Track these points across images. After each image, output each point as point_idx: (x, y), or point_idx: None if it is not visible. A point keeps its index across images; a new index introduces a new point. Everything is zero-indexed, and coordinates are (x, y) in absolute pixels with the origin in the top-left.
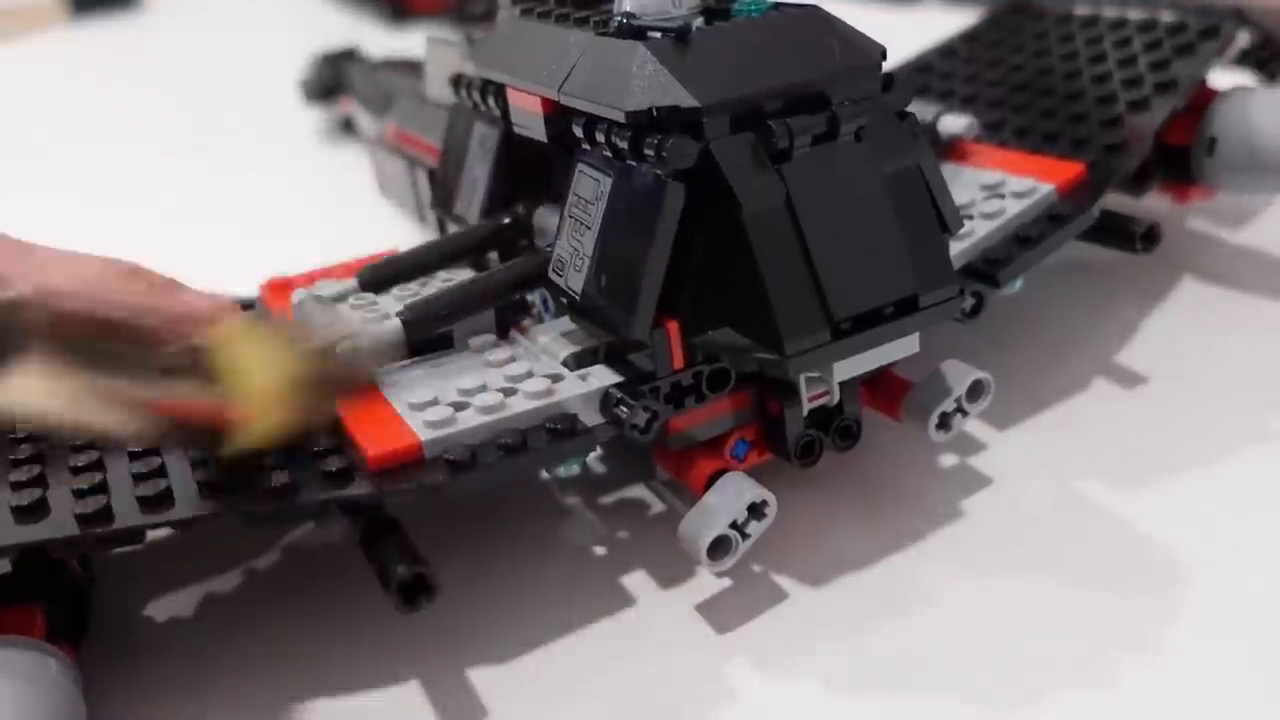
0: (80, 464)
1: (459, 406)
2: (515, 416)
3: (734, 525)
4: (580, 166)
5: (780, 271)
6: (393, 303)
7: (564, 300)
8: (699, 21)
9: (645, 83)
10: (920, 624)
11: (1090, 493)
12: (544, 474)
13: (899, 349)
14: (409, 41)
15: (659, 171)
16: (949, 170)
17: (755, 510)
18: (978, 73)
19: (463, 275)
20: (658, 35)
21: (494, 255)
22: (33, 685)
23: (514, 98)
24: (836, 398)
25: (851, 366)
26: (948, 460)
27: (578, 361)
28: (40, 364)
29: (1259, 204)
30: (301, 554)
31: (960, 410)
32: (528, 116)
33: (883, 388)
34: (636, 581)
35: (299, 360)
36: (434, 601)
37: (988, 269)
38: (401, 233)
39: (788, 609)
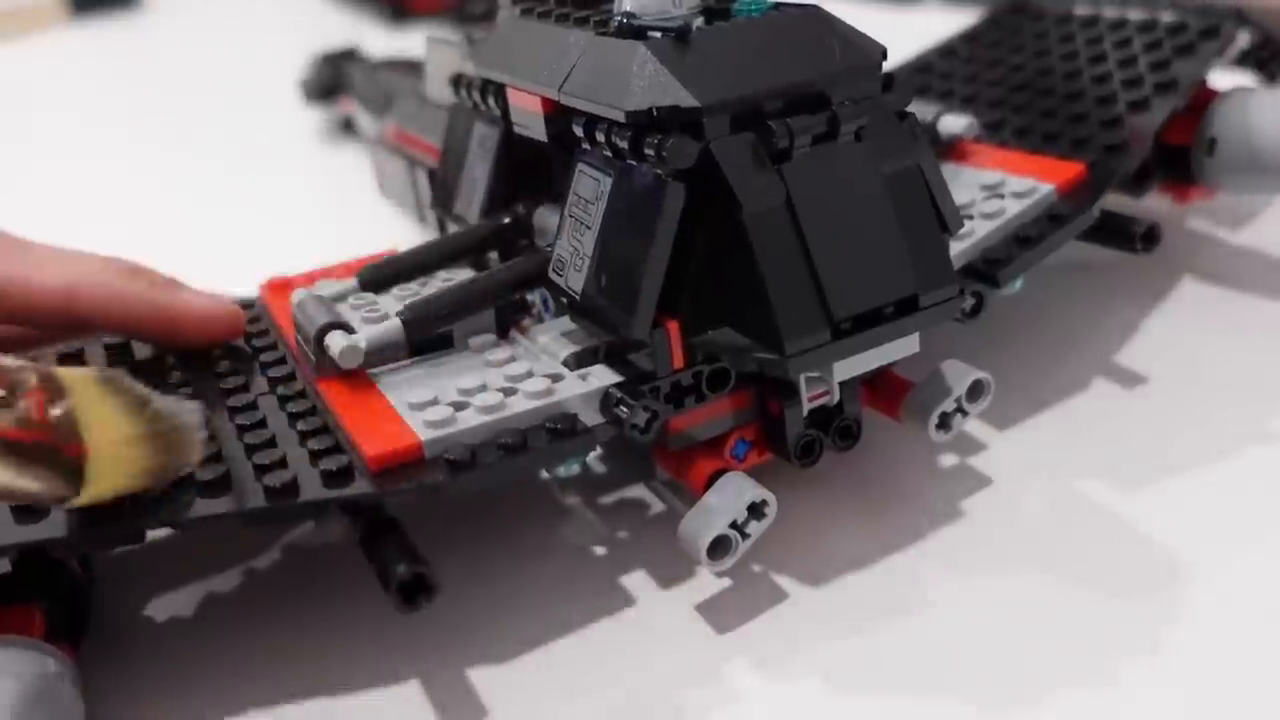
0: None
1: (459, 406)
2: (515, 416)
3: (734, 525)
4: (580, 166)
5: (780, 271)
6: (393, 302)
7: (564, 300)
8: (699, 21)
9: (645, 82)
10: (920, 623)
11: (1090, 492)
12: (544, 474)
13: (899, 349)
14: (409, 41)
15: (659, 171)
16: (949, 170)
17: (755, 510)
18: (978, 73)
19: (463, 275)
20: (658, 35)
21: (494, 255)
22: (31, 685)
23: (514, 97)
24: (836, 397)
25: (851, 366)
26: (947, 460)
27: (578, 361)
28: None
29: (1259, 204)
30: (301, 554)
31: (960, 410)
32: (528, 116)
33: (883, 388)
34: (636, 581)
35: (141, 420)
36: (434, 601)
37: (988, 269)
38: (401, 233)
39: (788, 609)
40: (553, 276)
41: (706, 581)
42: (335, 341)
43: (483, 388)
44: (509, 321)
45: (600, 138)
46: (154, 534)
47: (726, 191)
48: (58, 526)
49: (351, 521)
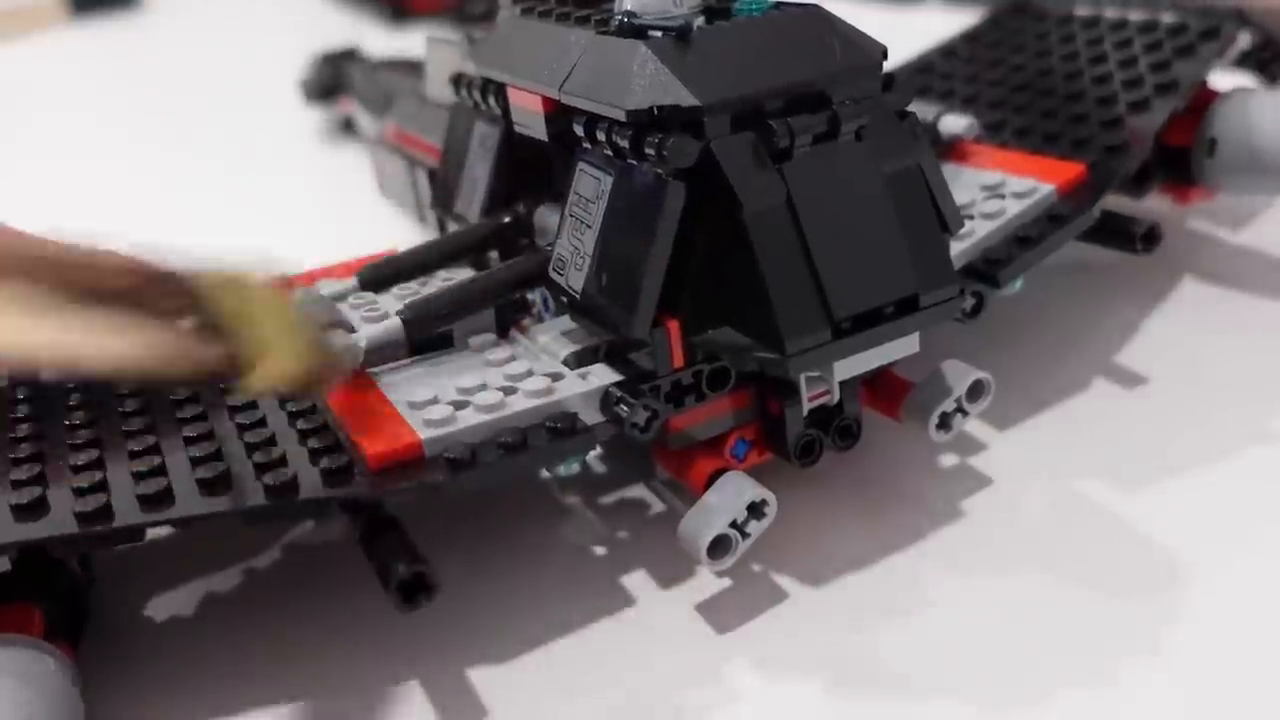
0: (80, 462)
1: (459, 405)
2: (515, 415)
3: (734, 524)
4: (581, 165)
5: (781, 271)
6: (393, 302)
7: (564, 299)
8: (700, 21)
9: (646, 82)
10: (920, 623)
11: (1090, 492)
12: (544, 473)
13: (899, 349)
14: (409, 41)
15: (660, 170)
16: (949, 170)
17: (755, 509)
18: (978, 73)
19: (463, 274)
20: (658, 34)
21: (494, 254)
22: (30, 684)
23: (515, 97)
24: (837, 397)
25: (852, 366)
26: (948, 460)
27: (578, 360)
28: (10, 300)
29: (1259, 205)
30: (301, 553)
31: (960, 410)
32: (528, 115)
33: (883, 388)
34: (636, 581)
35: (296, 312)
36: (434, 600)
37: (988, 269)
38: (401, 233)
39: (787, 608)
40: (553, 276)
41: (706, 581)
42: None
43: (483, 387)
44: (509, 321)
45: (601, 137)
46: (154, 533)
47: (727, 191)
48: (57, 524)
49: (351, 520)
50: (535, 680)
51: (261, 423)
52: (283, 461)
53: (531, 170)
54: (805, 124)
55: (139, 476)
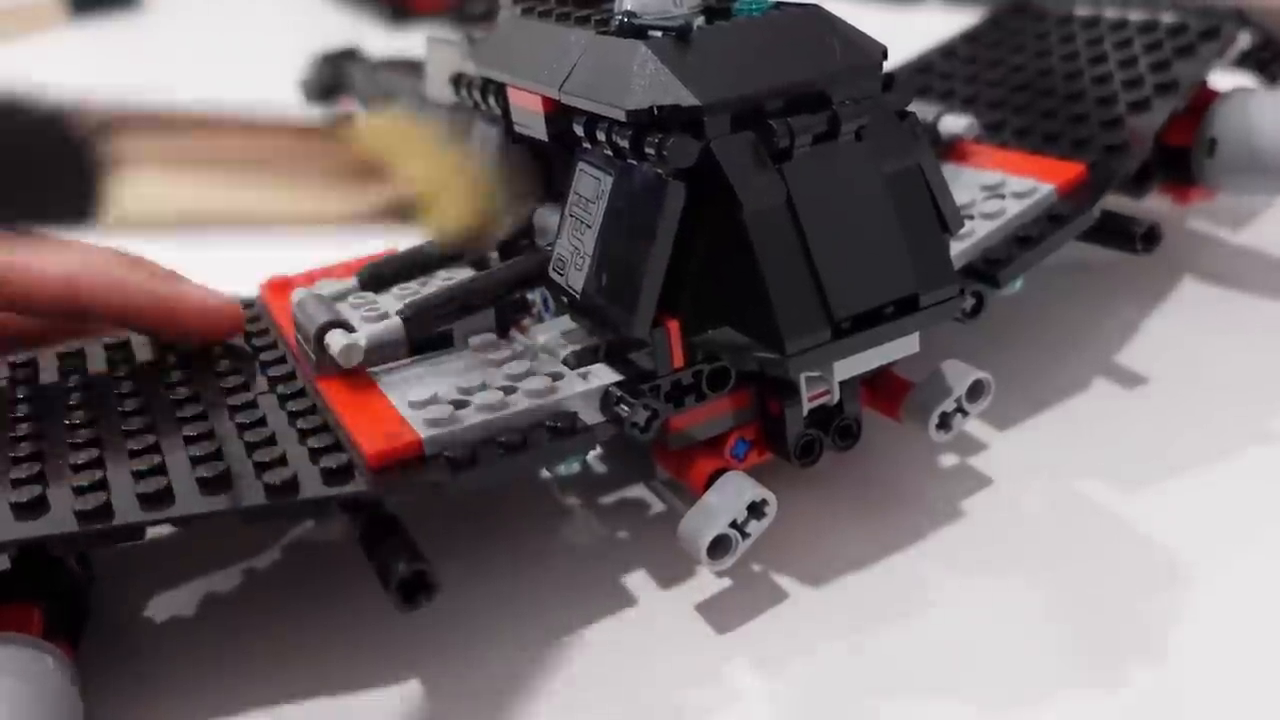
0: (80, 461)
1: (459, 405)
2: (515, 415)
3: (734, 524)
4: (581, 165)
5: (781, 270)
6: (393, 301)
7: (564, 299)
8: (700, 21)
9: (646, 81)
10: (920, 623)
11: (1090, 492)
12: (544, 473)
13: (899, 348)
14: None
15: (660, 170)
16: (949, 170)
17: (755, 509)
18: (978, 73)
19: (463, 274)
20: (658, 34)
21: (494, 254)
22: (29, 683)
23: (515, 97)
24: (837, 397)
25: (852, 366)
26: (948, 460)
27: (578, 360)
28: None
29: (1259, 205)
30: (301, 553)
31: (960, 410)
32: (528, 115)
33: (883, 388)
34: (636, 581)
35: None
36: (434, 600)
37: (988, 269)
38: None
39: (788, 608)
40: (553, 275)
41: (707, 581)
42: (335, 340)
43: (483, 386)
44: (509, 320)
45: (601, 137)
46: (153, 532)
47: (727, 190)
48: (57, 523)
49: (351, 519)
50: (535, 680)
51: (262, 422)
52: (283, 460)
53: (532, 170)
54: (805, 124)
55: (139, 475)
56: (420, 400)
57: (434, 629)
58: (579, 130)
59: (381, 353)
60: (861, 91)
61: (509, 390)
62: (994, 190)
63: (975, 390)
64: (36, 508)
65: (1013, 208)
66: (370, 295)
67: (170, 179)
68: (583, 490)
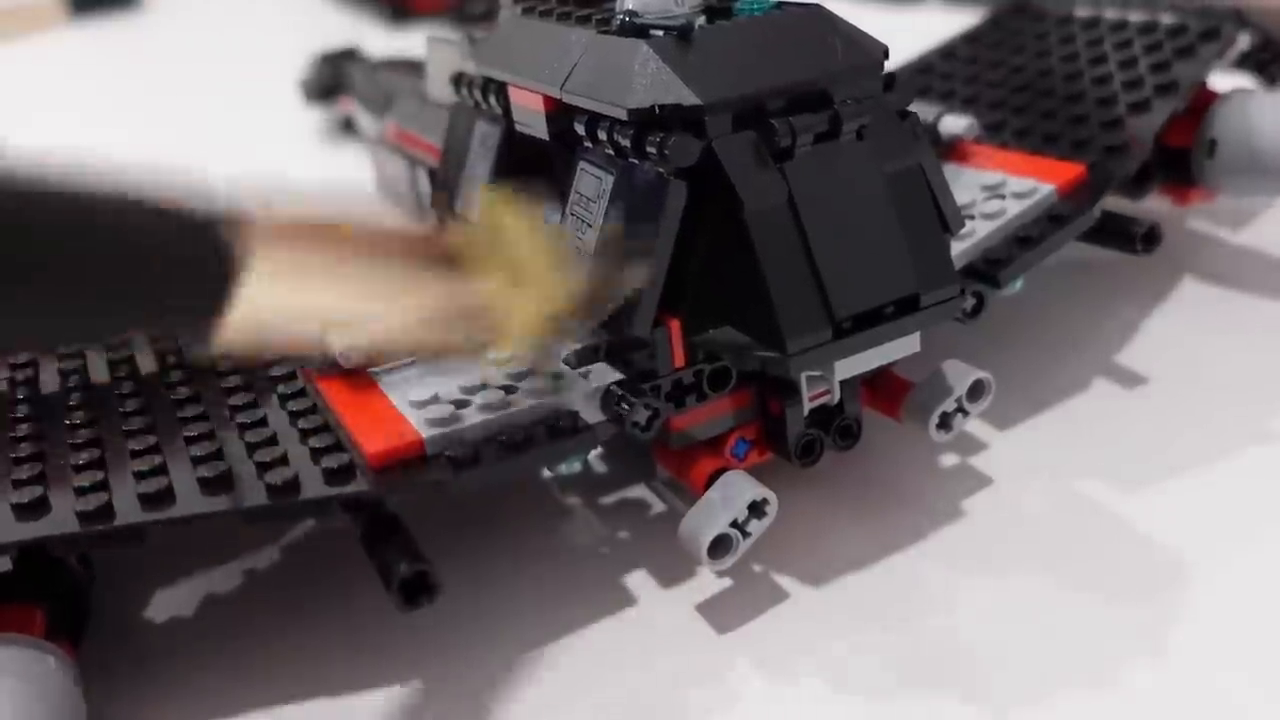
0: (81, 461)
1: (460, 404)
2: (517, 414)
3: (734, 524)
4: (582, 164)
5: (782, 270)
6: None
7: None
8: (701, 20)
9: (647, 81)
10: (920, 624)
11: (1090, 493)
12: (545, 472)
13: (900, 348)
14: (409, 41)
15: (661, 170)
16: (950, 171)
17: (756, 509)
18: (979, 74)
19: None
20: (660, 33)
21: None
22: (31, 683)
23: (516, 96)
24: (837, 397)
25: (852, 365)
26: (948, 460)
27: (579, 359)
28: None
29: (1259, 206)
30: (302, 553)
31: (961, 410)
32: (530, 115)
33: (883, 387)
34: (637, 580)
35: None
36: (435, 601)
37: (988, 269)
38: None
39: (788, 608)
40: None
41: (707, 581)
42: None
43: (484, 385)
44: None
45: (602, 136)
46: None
47: (728, 190)
48: (58, 524)
49: (353, 519)
50: (536, 680)
51: (263, 422)
52: (284, 460)
53: (533, 169)
54: (807, 123)
55: (140, 475)
56: (421, 400)
57: (435, 629)
58: (580, 129)
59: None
60: (863, 91)
61: (510, 390)
62: (994, 190)
63: (976, 390)
64: (38, 508)
65: (1013, 208)
66: None
67: (295, 287)
68: (583, 490)
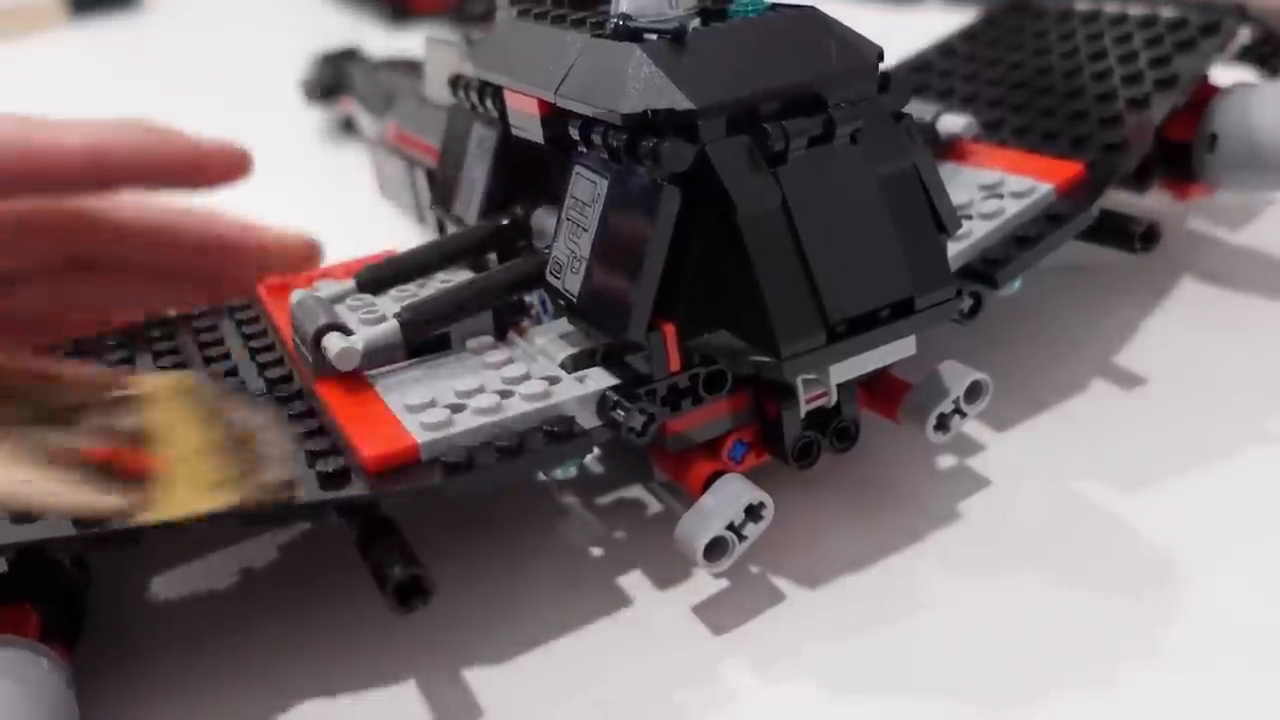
0: None
1: (456, 408)
2: (512, 419)
3: (731, 527)
4: (577, 168)
5: (776, 274)
6: (390, 304)
7: (561, 302)
8: (695, 23)
9: (641, 85)
10: (917, 625)
11: (1088, 493)
12: (541, 475)
13: (896, 351)
14: (409, 41)
15: (655, 174)
16: (948, 170)
17: (752, 512)
18: (977, 71)
19: (461, 276)
20: (654, 37)
21: (492, 256)
22: (25, 685)
23: (511, 99)
24: (834, 399)
25: (848, 369)
26: (945, 461)
27: (575, 363)
28: None
29: (1259, 203)
30: (299, 555)
31: (958, 411)
32: (525, 118)
33: (880, 389)
34: (634, 582)
35: (218, 428)
36: (429, 603)
37: (986, 269)
38: (401, 233)
39: (785, 610)
40: (550, 278)
41: (704, 583)
42: (333, 343)
43: (480, 390)
44: (507, 323)
45: (596, 140)
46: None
47: (722, 194)
48: (54, 526)
49: (348, 522)
50: (532, 680)
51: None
52: None
53: (529, 173)
54: (800, 127)
55: None
56: (417, 404)
57: (432, 629)
58: (575, 133)
59: (379, 356)
60: (857, 93)
61: (506, 394)
62: (992, 190)
63: (973, 391)
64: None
65: (1011, 207)
66: (368, 297)
67: None
68: (580, 491)
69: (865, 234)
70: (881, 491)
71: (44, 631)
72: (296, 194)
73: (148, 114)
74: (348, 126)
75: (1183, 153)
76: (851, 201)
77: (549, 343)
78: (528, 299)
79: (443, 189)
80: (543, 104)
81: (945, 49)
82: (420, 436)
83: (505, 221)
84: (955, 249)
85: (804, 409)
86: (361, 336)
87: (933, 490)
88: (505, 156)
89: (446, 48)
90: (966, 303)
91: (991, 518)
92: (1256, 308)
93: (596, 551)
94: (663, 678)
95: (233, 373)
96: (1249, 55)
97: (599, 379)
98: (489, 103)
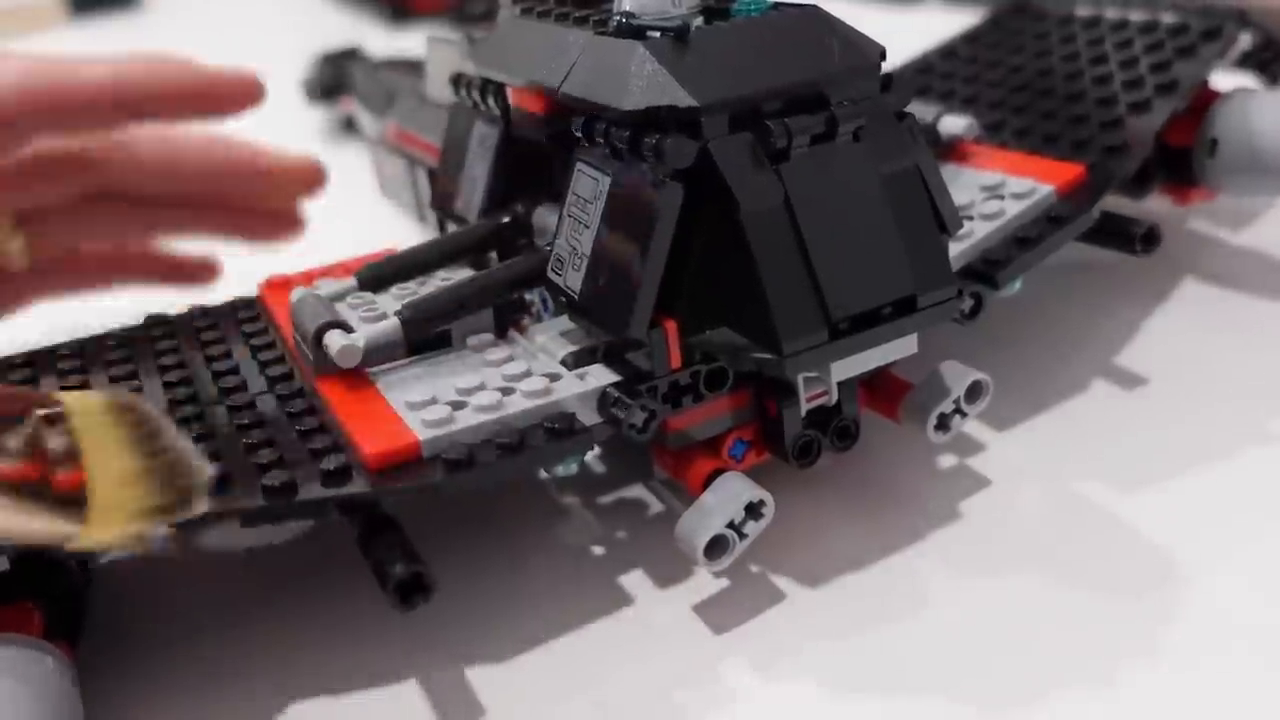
0: None
1: (457, 405)
2: (513, 416)
3: (731, 525)
4: (579, 165)
5: (778, 271)
6: (391, 302)
7: (563, 299)
8: (698, 21)
9: (644, 82)
10: (917, 624)
11: (1088, 493)
12: (542, 473)
13: (897, 349)
14: (409, 41)
15: (657, 171)
16: (949, 171)
17: (752, 510)
18: (979, 73)
19: (462, 274)
20: (657, 35)
21: (493, 254)
22: (29, 684)
23: (514, 97)
24: (835, 398)
25: (849, 367)
26: (946, 461)
27: (576, 361)
28: None
29: (1259, 205)
30: (301, 553)
31: (959, 411)
32: (527, 116)
33: (881, 388)
34: (634, 581)
35: (146, 452)
36: (430, 601)
37: (987, 270)
38: (401, 232)
39: (785, 609)
40: (551, 276)
41: (704, 581)
42: (333, 340)
43: (481, 387)
44: (507, 321)
45: (599, 137)
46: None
47: (724, 191)
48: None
49: (349, 520)
50: (533, 679)
51: (260, 423)
52: (281, 462)
53: (530, 170)
54: (803, 125)
55: None
56: (418, 401)
57: (432, 628)
58: (577, 130)
59: (380, 353)
60: (859, 92)
61: (507, 391)
62: (993, 191)
63: (974, 391)
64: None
65: (1012, 209)
66: (369, 295)
67: None
68: (581, 489)
69: (867, 232)
70: (882, 491)
71: (47, 630)
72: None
73: None
74: (348, 126)
75: (1183, 158)
76: (854, 199)
77: (550, 340)
78: (528, 296)
79: (444, 187)
80: (545, 101)
81: (947, 51)
82: (421, 434)
83: (506, 219)
84: (956, 249)
85: (805, 407)
86: (362, 334)
87: (933, 490)
88: (506, 154)
89: (448, 47)
90: (967, 303)
91: (991, 518)
92: (1257, 308)
93: (597, 550)
94: (663, 677)
95: (233, 371)
96: (1249, 61)
97: (600, 376)
98: (491, 101)
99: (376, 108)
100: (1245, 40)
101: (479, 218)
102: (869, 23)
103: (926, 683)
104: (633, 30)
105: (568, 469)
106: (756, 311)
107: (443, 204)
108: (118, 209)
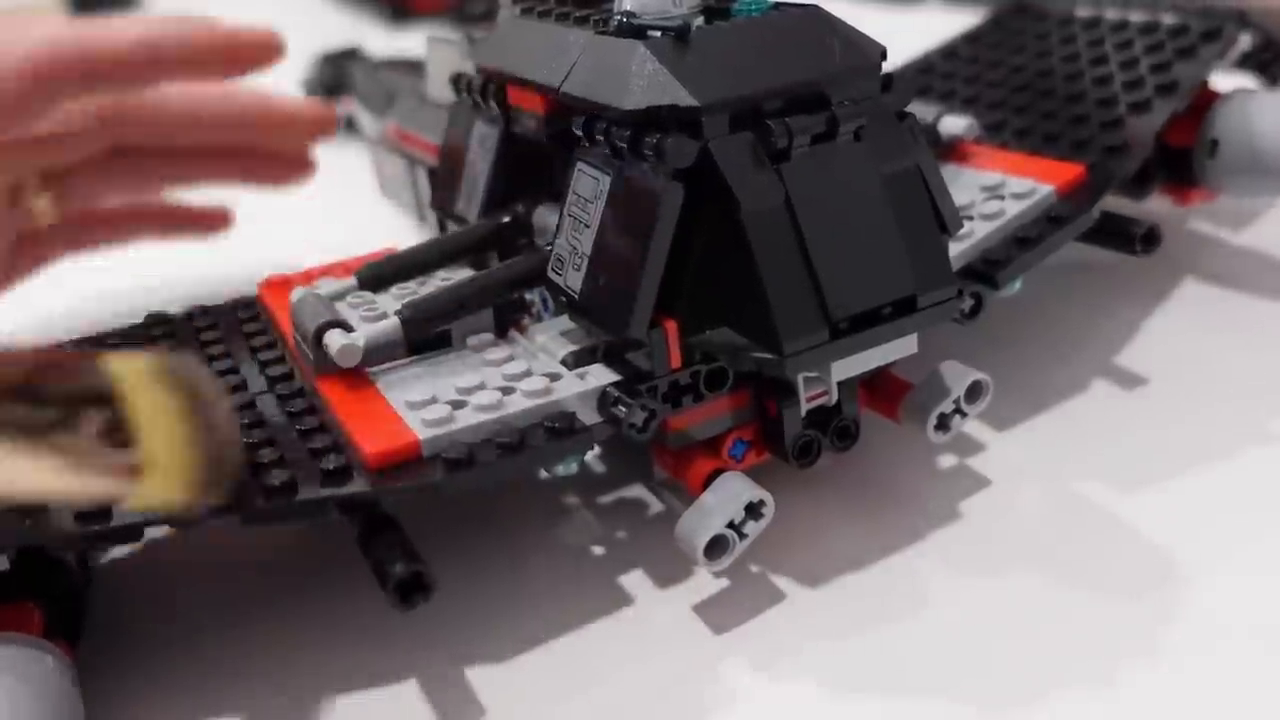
0: None
1: (457, 405)
2: (513, 415)
3: (731, 525)
4: (580, 165)
5: (778, 271)
6: (391, 301)
7: (563, 299)
8: (699, 21)
9: (645, 82)
10: (917, 624)
11: (1088, 493)
12: (542, 473)
13: (897, 349)
14: (410, 41)
15: (658, 170)
16: (949, 171)
17: (752, 510)
18: (979, 74)
19: (462, 274)
20: (657, 34)
21: (494, 254)
22: (29, 683)
23: (514, 96)
24: (835, 398)
25: (849, 367)
26: (946, 461)
27: (576, 360)
28: None
29: (1259, 206)
30: (301, 552)
31: (959, 411)
32: (527, 115)
33: (881, 388)
34: (634, 580)
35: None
36: (430, 600)
37: (987, 270)
38: (401, 232)
39: (785, 609)
40: (551, 275)
41: (704, 581)
42: (334, 340)
43: (481, 386)
44: (508, 320)
45: (599, 137)
46: (152, 532)
47: (725, 191)
48: (57, 523)
49: (349, 519)
50: (533, 679)
51: (260, 423)
52: (281, 462)
53: (530, 170)
54: (803, 124)
55: None
56: (418, 401)
57: (433, 628)
58: (578, 130)
59: (380, 353)
60: (860, 92)
61: (507, 390)
62: (993, 191)
63: (974, 391)
64: (36, 508)
65: (1012, 209)
66: (369, 295)
67: None
68: (581, 489)
69: (868, 231)
70: (882, 491)
71: (47, 629)
72: (297, 193)
73: None
74: (349, 126)
75: (1183, 158)
76: (854, 199)
77: (550, 339)
78: (528, 296)
79: (444, 187)
80: (546, 101)
81: (948, 51)
82: (421, 433)
83: (506, 219)
84: (956, 249)
85: (805, 407)
86: (363, 333)
87: (933, 490)
88: (507, 154)
89: (448, 47)
90: (967, 303)
91: (991, 517)
92: (1257, 308)
93: (597, 550)
94: (663, 677)
95: (233, 371)
96: (1249, 62)
97: (600, 375)
98: (491, 100)
99: (376, 108)
100: (1245, 41)
101: (479, 218)
102: (869, 23)
103: (926, 683)
104: (633, 30)
105: (568, 469)
106: (757, 311)
107: (443, 204)
108: (140, 163)
